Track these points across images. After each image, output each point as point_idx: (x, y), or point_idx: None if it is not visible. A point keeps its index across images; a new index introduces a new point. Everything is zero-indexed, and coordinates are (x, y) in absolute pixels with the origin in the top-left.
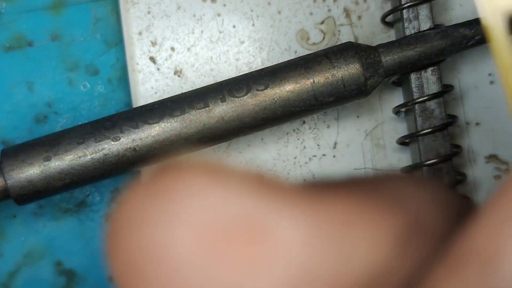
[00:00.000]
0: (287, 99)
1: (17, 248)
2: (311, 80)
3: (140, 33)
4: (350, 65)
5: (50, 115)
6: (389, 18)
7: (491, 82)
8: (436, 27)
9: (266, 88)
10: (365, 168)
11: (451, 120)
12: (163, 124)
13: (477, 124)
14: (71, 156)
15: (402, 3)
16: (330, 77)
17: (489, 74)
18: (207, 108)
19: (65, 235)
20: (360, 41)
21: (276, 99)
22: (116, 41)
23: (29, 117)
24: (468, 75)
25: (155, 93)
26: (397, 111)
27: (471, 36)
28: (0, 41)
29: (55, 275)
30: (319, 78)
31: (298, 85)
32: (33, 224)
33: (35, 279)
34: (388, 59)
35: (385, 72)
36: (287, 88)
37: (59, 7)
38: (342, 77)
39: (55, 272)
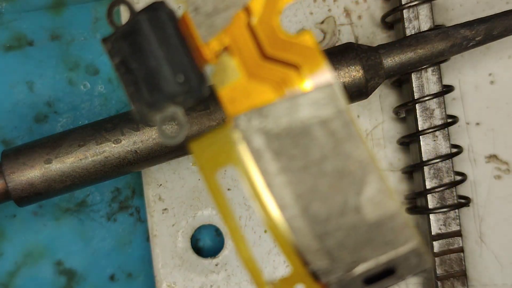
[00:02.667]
0: None
1: (17, 247)
2: None
3: None
4: (351, 67)
5: (50, 115)
6: (389, 18)
7: (491, 82)
8: (436, 27)
9: None
10: None
11: (451, 120)
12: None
13: (477, 124)
14: (72, 159)
15: (402, 3)
16: None
17: (489, 74)
18: (208, 111)
19: (65, 234)
20: (360, 41)
21: None
22: None
23: (29, 117)
24: (468, 75)
25: None
26: (397, 111)
27: (472, 37)
28: (0, 41)
29: (55, 275)
30: None
31: None
32: (33, 224)
33: (35, 279)
34: (388, 60)
35: (386, 73)
36: None
37: (59, 6)
38: (343, 79)
39: (55, 271)
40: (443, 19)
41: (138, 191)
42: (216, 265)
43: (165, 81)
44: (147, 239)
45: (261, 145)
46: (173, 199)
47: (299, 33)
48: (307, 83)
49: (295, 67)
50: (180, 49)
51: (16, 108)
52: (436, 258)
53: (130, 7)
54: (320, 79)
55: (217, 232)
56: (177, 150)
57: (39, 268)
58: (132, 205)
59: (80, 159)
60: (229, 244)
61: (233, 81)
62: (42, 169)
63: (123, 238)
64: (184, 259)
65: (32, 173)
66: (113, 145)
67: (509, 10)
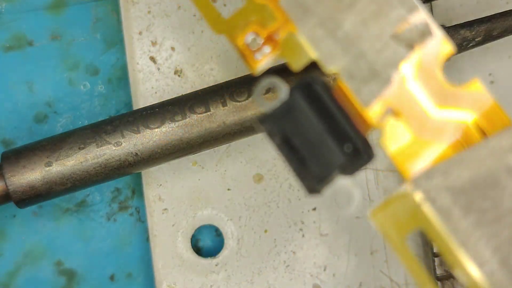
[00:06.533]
0: None
1: (17, 248)
2: None
3: (140, 33)
4: None
5: (50, 115)
6: None
7: (491, 82)
8: None
9: (268, 92)
10: (365, 168)
11: None
12: (164, 128)
13: None
14: (72, 162)
15: None
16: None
17: (489, 74)
18: (208, 113)
19: (65, 235)
20: None
21: None
22: (116, 40)
23: (29, 117)
24: (468, 75)
25: (155, 93)
26: None
27: (472, 38)
28: (0, 41)
29: (55, 275)
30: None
31: None
32: (33, 224)
33: (35, 279)
34: None
35: None
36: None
37: (59, 6)
38: None
39: (55, 272)
40: (443, 19)
41: (138, 191)
42: (216, 265)
43: (332, 153)
44: (147, 239)
45: (447, 203)
46: (173, 199)
47: (468, 83)
48: (485, 132)
49: (468, 118)
50: (341, 119)
51: (16, 108)
52: (436, 258)
53: (282, 85)
54: (497, 125)
55: (217, 232)
56: (178, 152)
57: (39, 268)
58: (132, 205)
59: (81, 162)
60: (229, 244)
61: (403, 143)
62: (42, 172)
63: (123, 238)
64: (184, 259)
65: (32, 176)
66: (114, 148)
67: (508, 10)
